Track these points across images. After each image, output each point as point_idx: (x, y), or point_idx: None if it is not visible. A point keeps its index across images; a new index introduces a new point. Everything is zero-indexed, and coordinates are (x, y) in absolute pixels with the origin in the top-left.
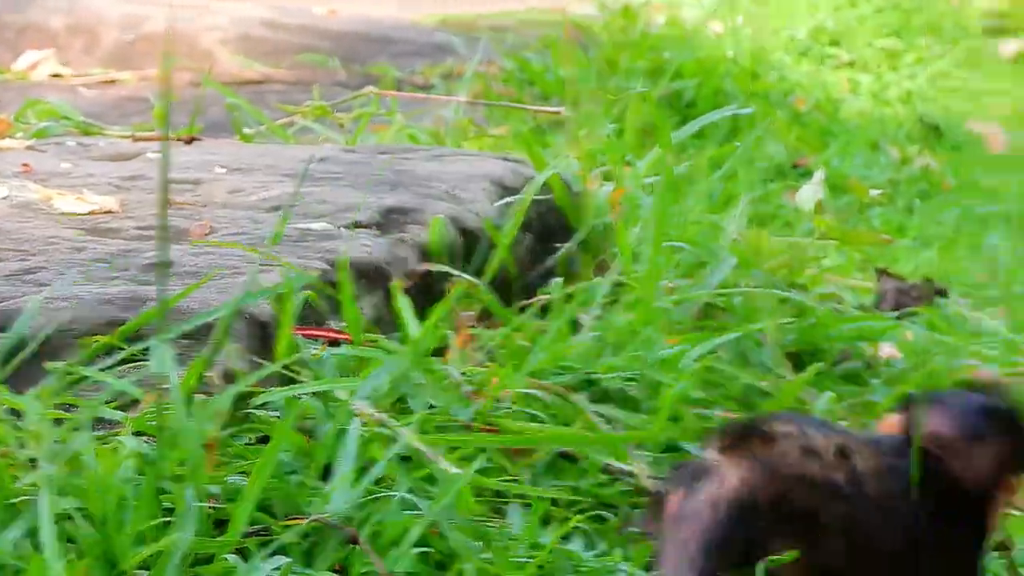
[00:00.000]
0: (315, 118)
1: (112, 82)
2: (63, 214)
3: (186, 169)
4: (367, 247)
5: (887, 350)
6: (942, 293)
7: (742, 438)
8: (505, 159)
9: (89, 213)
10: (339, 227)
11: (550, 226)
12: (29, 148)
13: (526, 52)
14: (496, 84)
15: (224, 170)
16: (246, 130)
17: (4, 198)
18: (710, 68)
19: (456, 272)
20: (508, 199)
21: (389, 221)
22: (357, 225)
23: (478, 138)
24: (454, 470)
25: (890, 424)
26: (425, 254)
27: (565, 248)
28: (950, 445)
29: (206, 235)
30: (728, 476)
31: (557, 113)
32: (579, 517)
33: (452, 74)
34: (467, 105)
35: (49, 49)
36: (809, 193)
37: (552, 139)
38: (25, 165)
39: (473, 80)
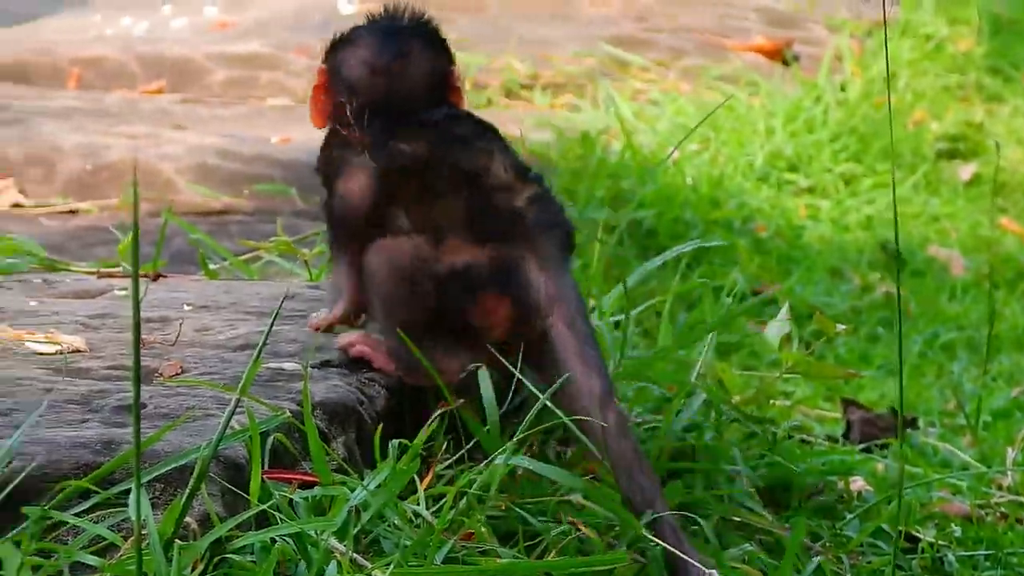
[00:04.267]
0: (279, 252)
1: (73, 212)
2: (32, 354)
3: (153, 307)
4: (337, 387)
5: (858, 483)
6: (910, 423)
7: None
8: None
9: (57, 353)
10: (308, 366)
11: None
12: None
13: None
14: None
15: (191, 308)
16: (212, 265)
17: None
18: (669, 196)
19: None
20: None
21: (359, 360)
22: (326, 364)
23: None
24: None
25: None
26: (393, 392)
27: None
28: None
29: (176, 375)
30: None
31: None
32: None
33: None
34: None
35: (8, 179)
36: (776, 329)
37: None
38: None
39: None
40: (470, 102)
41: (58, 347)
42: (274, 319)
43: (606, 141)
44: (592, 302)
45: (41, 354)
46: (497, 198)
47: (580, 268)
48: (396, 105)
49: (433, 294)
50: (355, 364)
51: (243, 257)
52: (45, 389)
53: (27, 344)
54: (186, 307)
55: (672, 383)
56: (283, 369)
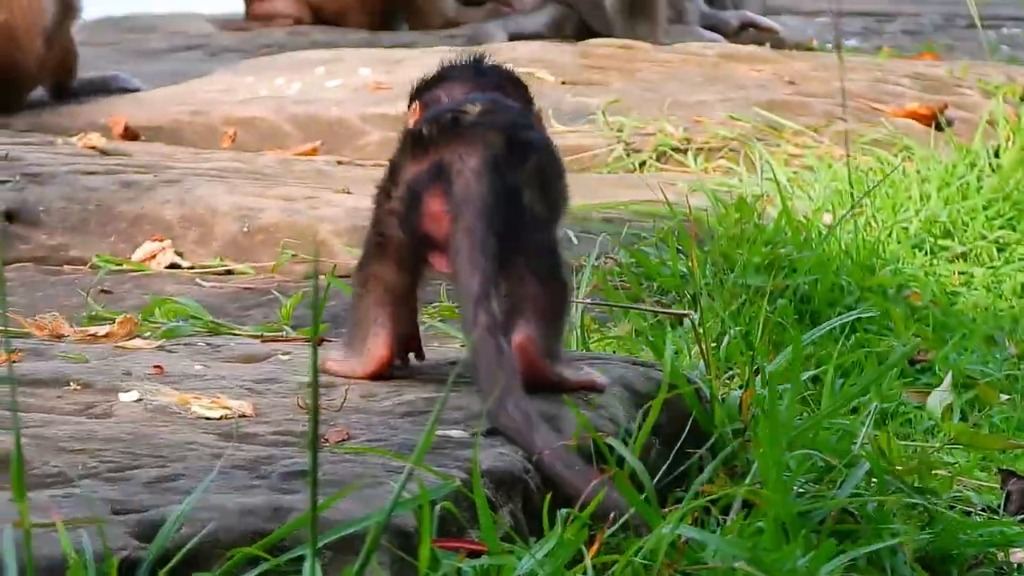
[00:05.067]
0: (441, 317)
1: (229, 273)
2: (199, 418)
3: (320, 373)
4: (504, 455)
5: (1018, 555)
6: None
7: None
8: (634, 363)
9: (223, 418)
10: (475, 434)
11: (678, 432)
12: (159, 349)
13: (642, 246)
14: (613, 279)
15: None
16: None
17: (137, 401)
18: (824, 263)
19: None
20: (642, 405)
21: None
22: (493, 432)
23: (601, 338)
24: None
25: None
26: None
27: (697, 455)
28: None
29: (343, 441)
30: None
31: (681, 315)
32: None
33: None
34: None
35: (165, 240)
36: (939, 399)
37: (676, 339)
38: (157, 367)
39: (590, 275)
40: (623, 166)
41: (225, 412)
42: (448, 387)
43: (762, 207)
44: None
45: (208, 419)
46: (443, 119)
47: (741, 334)
48: None
49: (399, 230)
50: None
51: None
52: (213, 454)
53: (193, 409)
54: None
55: (834, 452)
56: (450, 436)
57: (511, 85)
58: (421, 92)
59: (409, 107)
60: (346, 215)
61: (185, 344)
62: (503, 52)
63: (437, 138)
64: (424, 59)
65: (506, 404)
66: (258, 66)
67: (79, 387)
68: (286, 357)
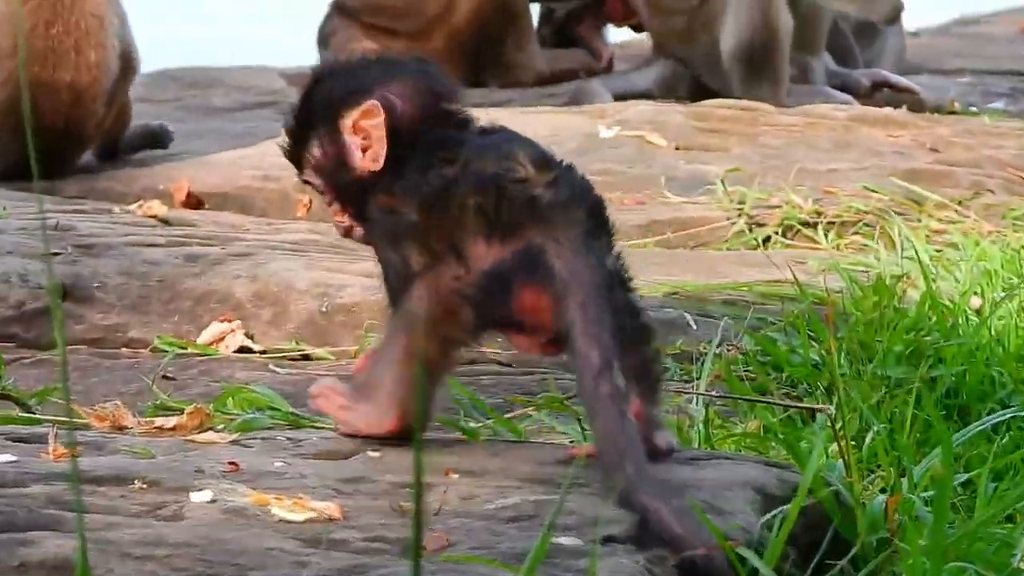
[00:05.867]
0: (547, 409)
1: (306, 358)
2: (280, 521)
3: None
4: (623, 564)
5: None
6: None
7: None
8: (766, 463)
9: (307, 521)
10: (589, 542)
11: (816, 541)
12: (234, 443)
13: (768, 331)
14: (736, 368)
15: (457, 475)
16: (472, 424)
17: (212, 502)
18: (974, 352)
19: None
20: (774, 511)
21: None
22: (609, 540)
23: (726, 435)
24: None
25: None
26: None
27: (837, 567)
28: None
29: (442, 549)
30: None
31: (815, 409)
32: None
33: (687, 356)
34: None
35: (235, 321)
36: None
37: (810, 436)
38: (232, 464)
39: (711, 364)
40: (745, 242)
41: (309, 515)
42: (564, 492)
43: (902, 288)
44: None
45: (290, 522)
46: (512, 191)
47: (886, 433)
48: None
49: (471, 315)
50: (643, 539)
51: (511, 415)
52: (297, 562)
53: (274, 511)
54: (449, 473)
55: (990, 565)
56: (561, 544)
57: (440, 74)
58: (360, 91)
59: (347, 107)
60: None
61: (262, 438)
62: (609, 113)
63: (516, 218)
64: (523, 120)
65: (641, 483)
66: None
67: (145, 486)
68: (376, 454)
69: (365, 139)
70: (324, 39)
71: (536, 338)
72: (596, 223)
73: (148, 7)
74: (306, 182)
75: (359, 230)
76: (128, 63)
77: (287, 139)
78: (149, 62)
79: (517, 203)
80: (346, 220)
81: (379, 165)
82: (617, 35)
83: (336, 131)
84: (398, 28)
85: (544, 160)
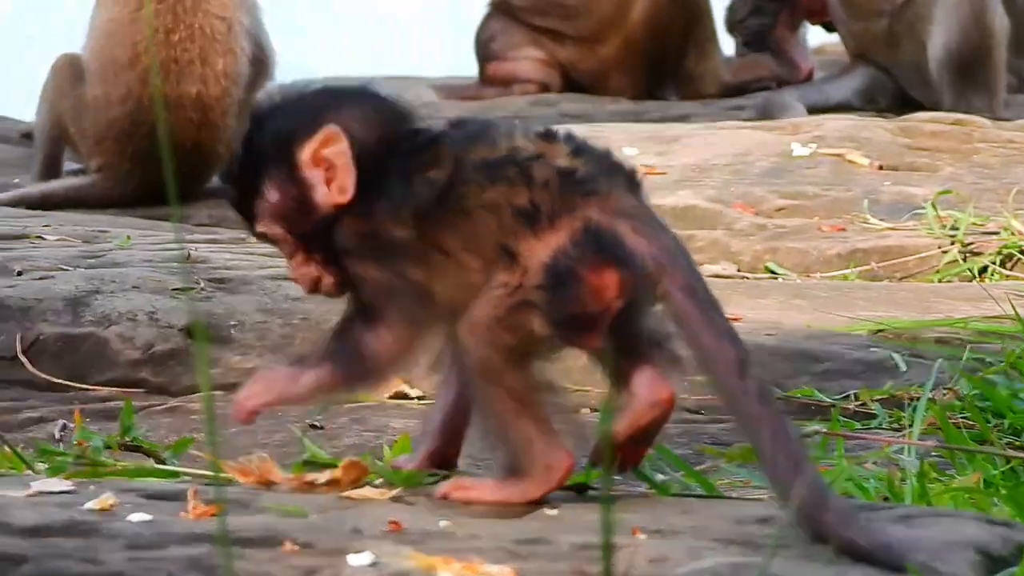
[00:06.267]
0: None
1: None
2: None
3: (597, 532)
4: None
5: None
6: None
7: None
8: (988, 520)
9: None
10: None
11: None
12: (394, 500)
13: (987, 373)
14: (953, 415)
15: (644, 535)
16: (659, 477)
17: (371, 565)
18: None
19: None
20: (999, 574)
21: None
22: None
23: (943, 489)
24: None
25: None
26: None
27: None
28: None
29: None
30: None
31: None
32: None
33: (897, 402)
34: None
35: None
36: None
37: None
38: (393, 523)
39: (925, 410)
40: (959, 272)
41: None
42: (772, 552)
43: None
44: None
45: None
46: (537, 169)
47: None
48: None
49: (544, 321)
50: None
51: (701, 468)
52: None
53: (441, 575)
54: (636, 532)
55: None
56: None
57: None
58: (312, 120)
59: (302, 139)
60: None
61: (426, 495)
62: (804, 128)
63: (558, 196)
64: (707, 137)
65: (825, 502)
66: None
67: (297, 547)
68: (553, 512)
69: (328, 170)
70: (483, 45)
71: (600, 330)
72: (639, 190)
73: (285, 16)
74: (261, 235)
75: (329, 279)
76: (262, 67)
77: (233, 191)
78: (286, 71)
79: (551, 180)
80: (313, 270)
81: (349, 195)
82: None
83: (294, 168)
84: (566, 31)
85: (543, 133)
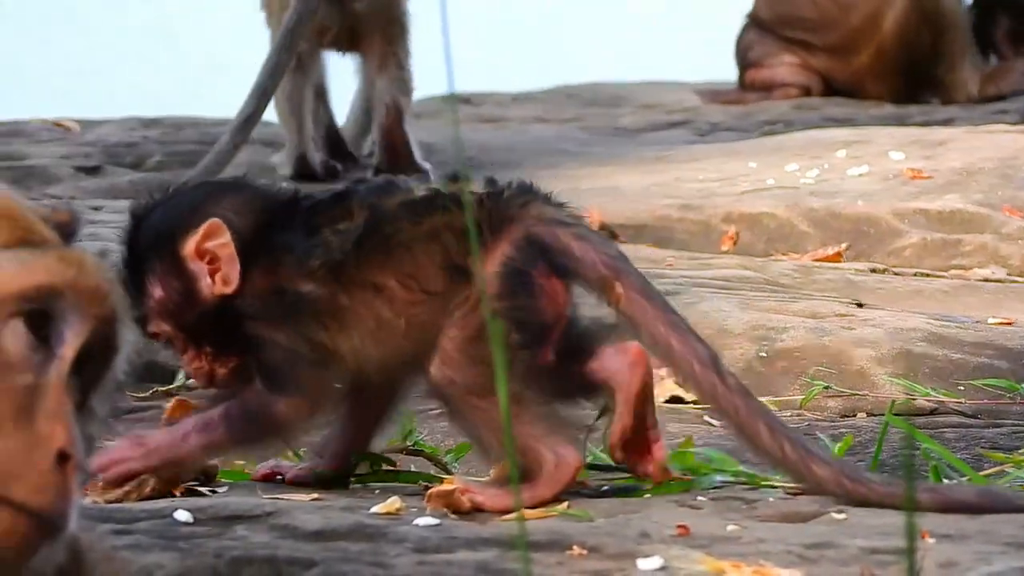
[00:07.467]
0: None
1: None
2: None
3: (880, 535)
4: None
5: None
6: None
7: None
8: None
9: None
10: None
11: None
12: (680, 504)
13: None
14: None
15: (933, 539)
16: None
17: (661, 569)
18: None
19: None
20: None
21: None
22: None
23: None
24: None
25: None
26: None
27: None
28: None
29: None
30: None
31: None
32: None
33: None
34: None
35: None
36: None
37: None
38: (681, 527)
39: None
40: None
41: None
42: None
43: None
44: None
45: None
46: (464, 196)
47: None
48: None
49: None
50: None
51: (987, 472)
52: None
53: None
54: (925, 536)
55: None
56: None
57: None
58: (193, 214)
59: (184, 234)
60: (888, 337)
61: (711, 498)
62: None
63: (496, 215)
64: (972, 140)
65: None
66: (761, 148)
67: (585, 551)
68: (840, 516)
69: (212, 262)
70: (741, 54)
71: (552, 340)
72: (563, 206)
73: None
74: (154, 336)
75: (222, 370)
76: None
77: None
78: (545, 77)
79: (483, 200)
80: (205, 364)
81: (233, 286)
82: None
83: (177, 262)
84: (815, 42)
85: (449, 176)
